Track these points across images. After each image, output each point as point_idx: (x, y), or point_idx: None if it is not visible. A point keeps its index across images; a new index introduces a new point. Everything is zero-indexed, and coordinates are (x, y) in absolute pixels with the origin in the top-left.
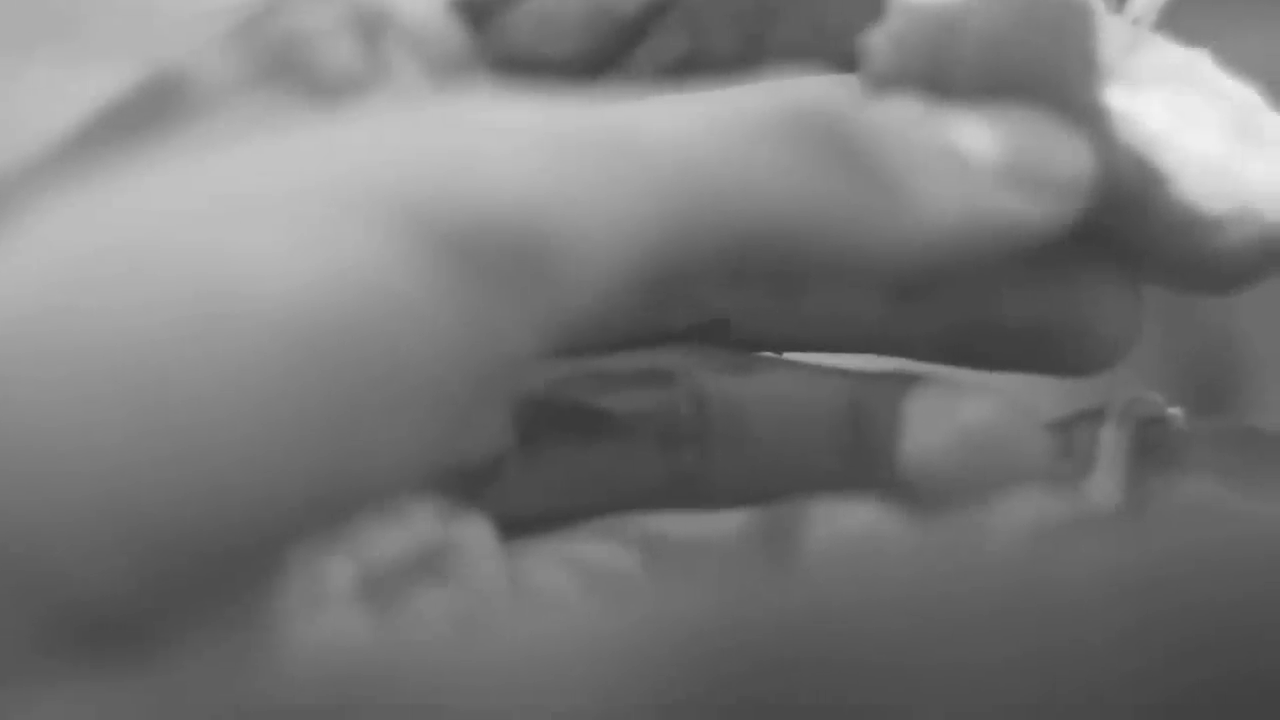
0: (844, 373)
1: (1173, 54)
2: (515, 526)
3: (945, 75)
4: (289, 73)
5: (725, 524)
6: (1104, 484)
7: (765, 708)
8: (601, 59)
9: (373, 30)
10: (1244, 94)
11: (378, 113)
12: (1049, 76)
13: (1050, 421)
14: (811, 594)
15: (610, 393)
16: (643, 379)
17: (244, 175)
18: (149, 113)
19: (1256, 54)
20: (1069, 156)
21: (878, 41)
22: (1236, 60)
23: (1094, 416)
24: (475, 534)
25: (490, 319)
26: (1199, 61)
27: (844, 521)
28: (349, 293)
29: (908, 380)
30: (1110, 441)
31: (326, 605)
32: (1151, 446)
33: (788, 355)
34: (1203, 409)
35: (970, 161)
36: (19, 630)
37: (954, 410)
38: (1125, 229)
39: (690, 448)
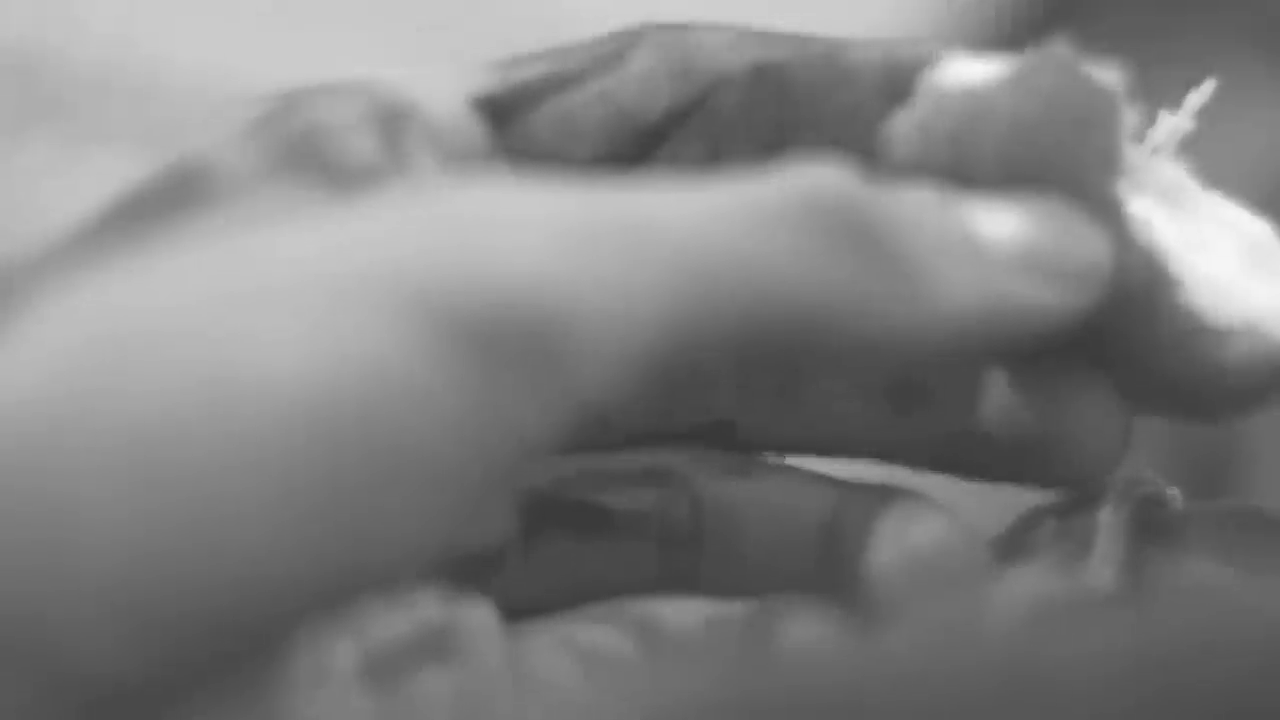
0: (834, 482)
1: (1188, 185)
2: (513, 611)
3: (968, 162)
4: (310, 166)
5: (712, 612)
6: (1103, 565)
7: None
8: (620, 162)
9: (394, 126)
10: (1257, 227)
11: (391, 200)
12: (1071, 165)
13: (1049, 504)
14: (784, 687)
15: (611, 491)
16: (643, 478)
17: (258, 262)
18: (168, 202)
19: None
20: (1087, 247)
21: (903, 128)
22: (1241, 155)
23: (1093, 498)
24: (478, 617)
25: (502, 404)
26: (1213, 198)
27: (809, 624)
28: (360, 378)
29: (886, 495)
30: (1109, 523)
31: (330, 685)
32: (1150, 527)
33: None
34: (1202, 490)
35: (988, 249)
36: (22, 701)
37: (907, 531)
38: (1130, 333)
39: (685, 548)
